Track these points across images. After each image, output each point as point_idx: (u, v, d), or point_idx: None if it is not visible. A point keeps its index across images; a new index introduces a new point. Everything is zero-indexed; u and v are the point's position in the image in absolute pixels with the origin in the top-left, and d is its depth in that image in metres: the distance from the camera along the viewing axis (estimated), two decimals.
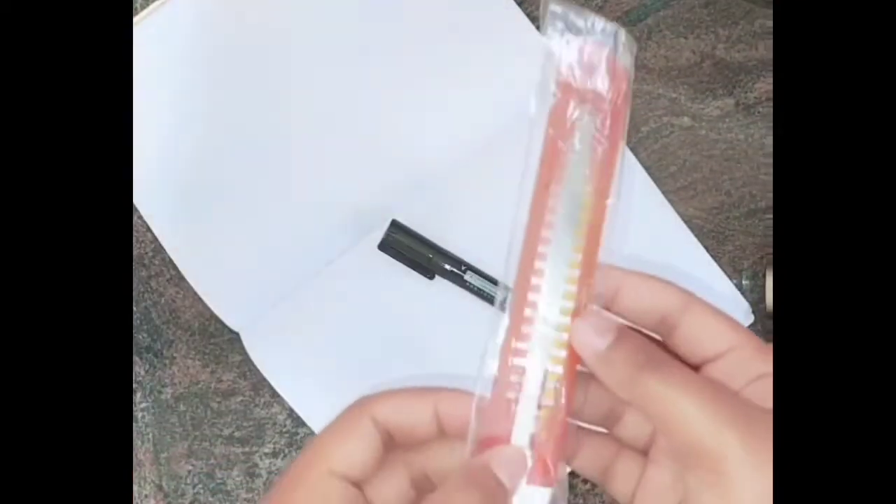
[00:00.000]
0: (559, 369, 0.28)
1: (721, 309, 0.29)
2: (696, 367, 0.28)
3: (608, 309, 0.29)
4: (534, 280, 0.29)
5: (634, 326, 0.29)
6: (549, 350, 0.28)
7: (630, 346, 0.27)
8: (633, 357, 0.27)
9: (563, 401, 0.28)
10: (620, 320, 0.28)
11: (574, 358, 0.29)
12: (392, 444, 0.28)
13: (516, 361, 0.28)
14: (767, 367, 0.27)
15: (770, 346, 0.28)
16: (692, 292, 0.29)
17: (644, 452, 0.30)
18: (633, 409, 0.30)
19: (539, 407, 0.28)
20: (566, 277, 0.29)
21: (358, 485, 0.27)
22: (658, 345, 0.29)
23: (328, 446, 0.27)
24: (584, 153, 0.30)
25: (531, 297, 0.29)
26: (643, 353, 0.27)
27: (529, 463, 0.27)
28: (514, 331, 0.29)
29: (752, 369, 0.27)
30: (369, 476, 0.27)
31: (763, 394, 0.27)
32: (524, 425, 0.28)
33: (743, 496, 0.25)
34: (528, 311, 0.29)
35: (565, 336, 0.28)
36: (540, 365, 0.28)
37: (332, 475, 0.26)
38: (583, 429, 0.31)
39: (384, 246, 0.50)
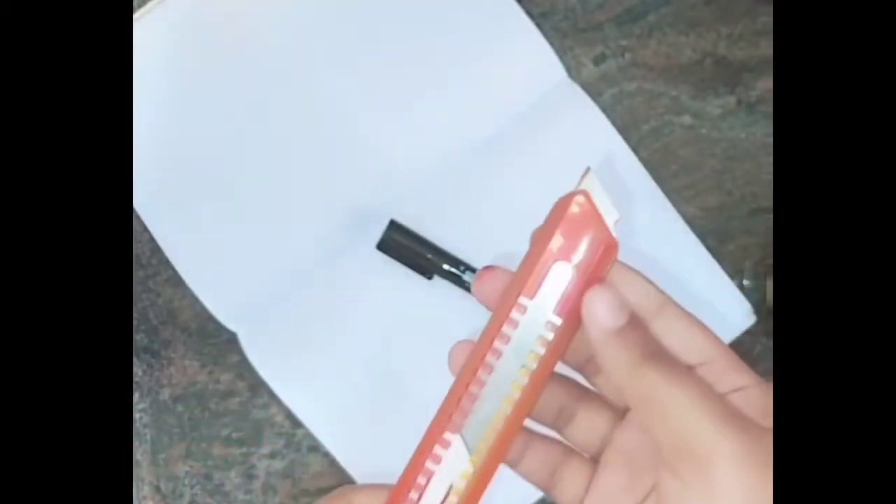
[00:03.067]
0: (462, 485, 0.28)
1: (697, 317, 0.29)
2: None
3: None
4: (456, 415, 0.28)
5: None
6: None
7: (642, 333, 0.27)
8: (643, 344, 0.26)
9: None
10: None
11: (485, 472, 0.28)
12: None
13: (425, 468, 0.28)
14: (742, 380, 0.27)
15: (741, 362, 0.28)
16: (670, 296, 0.29)
17: (593, 458, 0.30)
18: (585, 411, 0.30)
19: None
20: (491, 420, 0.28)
21: None
22: None
23: None
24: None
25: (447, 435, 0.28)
26: (653, 343, 0.27)
27: None
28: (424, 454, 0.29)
29: (729, 382, 0.27)
30: None
31: (749, 407, 0.27)
32: None
33: (725, 499, 0.25)
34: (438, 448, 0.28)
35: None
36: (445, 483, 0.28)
37: None
38: (531, 433, 0.31)
39: (382, 246, 0.50)
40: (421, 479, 0.28)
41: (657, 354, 0.27)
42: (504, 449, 0.28)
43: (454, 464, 0.28)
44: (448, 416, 0.28)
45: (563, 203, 0.28)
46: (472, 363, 0.29)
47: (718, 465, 0.25)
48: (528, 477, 0.31)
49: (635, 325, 0.27)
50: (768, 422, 0.26)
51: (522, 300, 0.28)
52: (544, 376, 0.28)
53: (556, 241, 0.28)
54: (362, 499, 0.29)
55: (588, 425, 0.31)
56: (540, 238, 0.29)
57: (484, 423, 0.28)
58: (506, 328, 0.28)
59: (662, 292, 0.29)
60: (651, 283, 0.29)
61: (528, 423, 0.30)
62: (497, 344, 0.28)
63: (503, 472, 0.30)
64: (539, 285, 0.28)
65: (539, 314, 0.28)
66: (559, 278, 0.28)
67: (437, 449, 0.28)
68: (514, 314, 0.28)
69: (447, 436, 0.28)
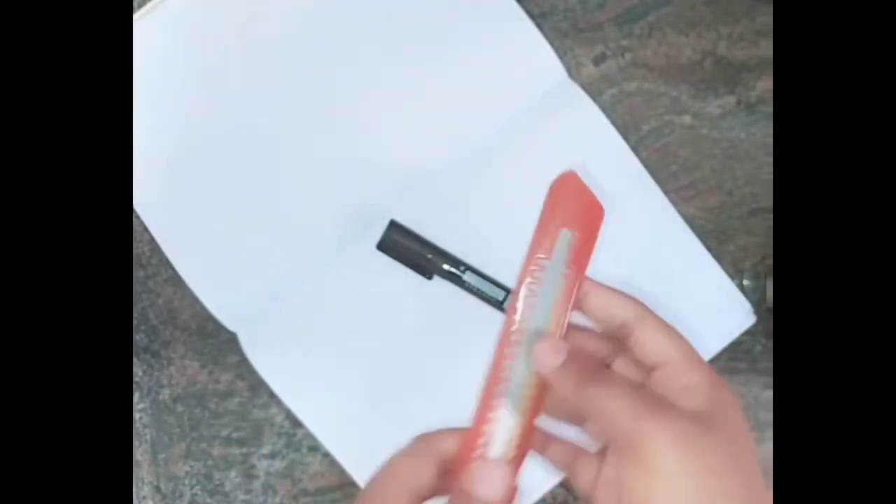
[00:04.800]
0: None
1: (670, 324, 0.34)
2: (647, 373, 0.33)
3: (578, 310, 0.35)
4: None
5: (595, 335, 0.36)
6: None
7: (577, 363, 0.33)
8: (578, 371, 0.33)
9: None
10: (568, 345, 0.34)
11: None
12: (446, 473, 0.34)
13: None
14: (692, 379, 0.32)
15: (702, 360, 0.33)
16: (648, 307, 0.34)
17: (603, 453, 0.35)
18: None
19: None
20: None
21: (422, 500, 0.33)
22: (616, 349, 0.35)
23: (404, 468, 0.33)
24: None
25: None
26: (586, 368, 0.33)
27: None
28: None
29: (682, 379, 0.32)
30: (429, 497, 0.33)
31: (689, 401, 0.31)
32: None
33: (664, 478, 0.29)
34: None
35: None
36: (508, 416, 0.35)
37: (404, 491, 0.32)
38: (549, 435, 0.37)
39: (382, 246, 0.50)
40: (485, 428, 0.34)
41: (592, 374, 0.33)
42: (541, 401, 0.34)
43: (504, 418, 0.34)
44: (496, 380, 0.34)
45: (560, 182, 0.36)
46: (504, 334, 0.35)
47: (650, 450, 0.29)
48: (554, 465, 0.37)
49: (573, 357, 0.33)
50: (710, 408, 0.31)
51: (540, 260, 0.35)
52: (562, 323, 0.35)
53: (560, 212, 0.35)
54: (444, 443, 0.34)
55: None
56: (546, 210, 0.36)
57: (523, 380, 0.34)
58: (530, 284, 0.35)
59: (642, 304, 0.34)
60: (631, 297, 0.35)
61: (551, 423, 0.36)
62: (524, 300, 0.35)
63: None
64: (552, 247, 0.35)
65: (555, 269, 0.35)
66: (566, 240, 0.35)
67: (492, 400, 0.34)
68: (536, 272, 0.35)
69: (499, 388, 0.34)
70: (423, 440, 0.34)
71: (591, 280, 0.35)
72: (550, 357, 0.34)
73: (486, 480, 0.33)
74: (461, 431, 0.34)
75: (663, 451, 0.29)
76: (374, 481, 0.34)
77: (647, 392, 0.32)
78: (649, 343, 0.33)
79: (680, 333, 0.34)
